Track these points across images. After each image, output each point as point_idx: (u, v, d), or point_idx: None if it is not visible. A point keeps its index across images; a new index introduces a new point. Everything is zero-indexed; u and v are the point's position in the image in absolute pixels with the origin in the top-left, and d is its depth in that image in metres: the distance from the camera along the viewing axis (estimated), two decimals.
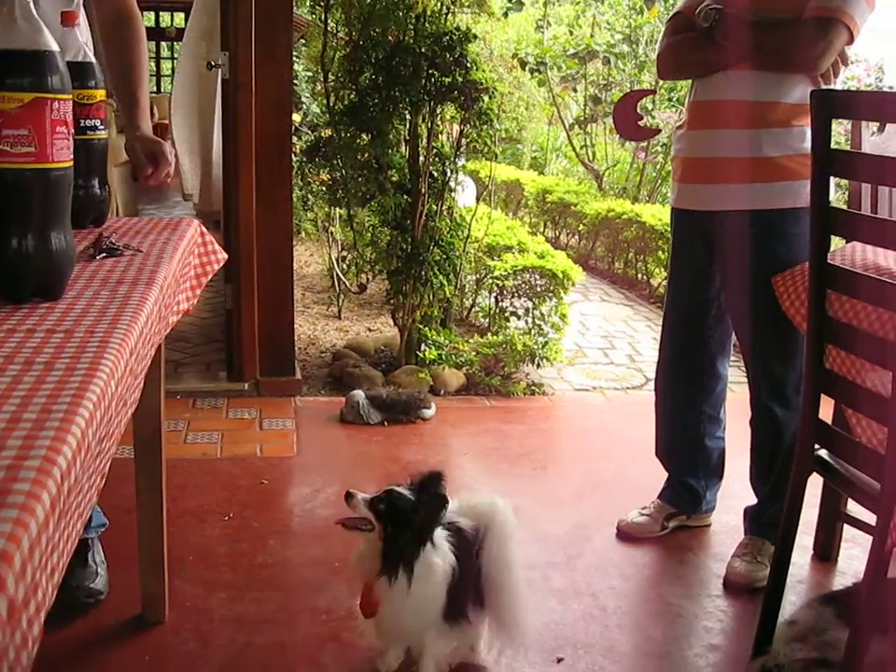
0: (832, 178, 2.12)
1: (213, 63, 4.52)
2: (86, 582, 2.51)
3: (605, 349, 5.52)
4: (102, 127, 2.02)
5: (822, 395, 2.22)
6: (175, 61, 15.72)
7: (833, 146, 2.10)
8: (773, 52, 2.63)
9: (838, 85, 2.78)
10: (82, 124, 1.96)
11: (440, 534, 2.16)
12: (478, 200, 5.35)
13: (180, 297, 2.02)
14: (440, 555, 2.13)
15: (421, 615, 2.16)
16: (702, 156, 2.81)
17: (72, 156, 1.42)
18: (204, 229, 2.21)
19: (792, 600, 2.67)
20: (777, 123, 2.65)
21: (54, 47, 1.36)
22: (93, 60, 2.03)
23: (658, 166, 8.66)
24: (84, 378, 1.03)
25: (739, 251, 2.73)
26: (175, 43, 15.49)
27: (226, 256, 2.23)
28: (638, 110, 3.28)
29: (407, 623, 2.17)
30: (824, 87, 2.64)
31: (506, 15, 8.18)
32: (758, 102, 2.66)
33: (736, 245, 2.74)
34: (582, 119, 9.27)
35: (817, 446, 2.27)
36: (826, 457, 2.25)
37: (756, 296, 2.68)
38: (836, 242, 2.55)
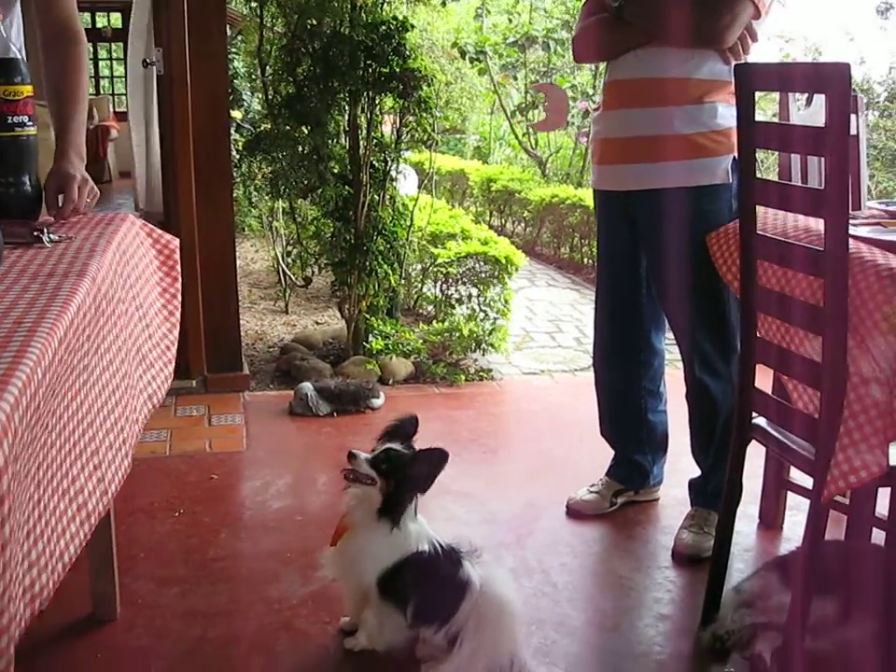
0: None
1: (148, 61, 4.49)
2: None
3: (552, 333, 5.56)
4: (30, 123, 2.00)
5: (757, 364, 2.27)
6: (114, 62, 15.60)
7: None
8: (679, 28, 2.65)
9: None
10: (9, 121, 1.95)
11: (430, 534, 2.27)
12: (419, 189, 5.36)
13: (166, 298, 2.06)
14: (415, 529, 2.25)
15: (362, 558, 2.25)
16: (617, 136, 2.83)
17: None
18: (143, 221, 2.20)
19: (740, 568, 2.72)
20: (689, 100, 2.67)
21: None
22: (19, 55, 2.01)
23: None
24: (10, 366, 1.03)
25: (659, 229, 2.77)
26: (111, 44, 15.30)
27: (176, 239, 2.26)
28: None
29: (348, 557, 2.27)
30: (735, 62, 2.66)
31: (444, 4, 8.18)
32: (668, 78, 2.68)
33: (656, 224, 2.78)
34: (524, 106, 9.31)
35: (754, 414, 2.32)
36: (764, 425, 2.30)
37: (679, 273, 2.72)
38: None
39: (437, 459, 2.21)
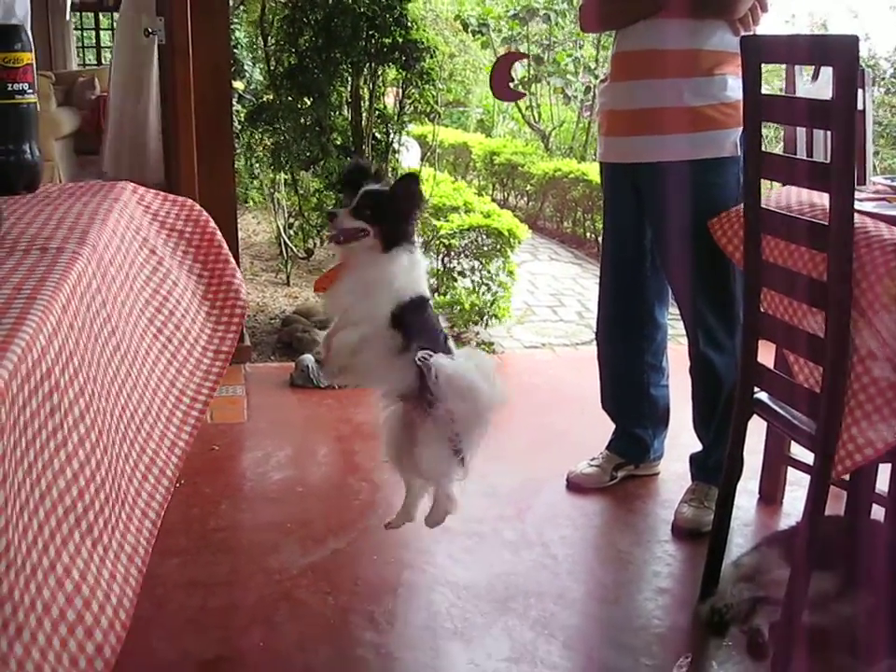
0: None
1: (150, 31, 4.46)
2: None
3: (554, 307, 5.55)
4: (31, 91, 1.98)
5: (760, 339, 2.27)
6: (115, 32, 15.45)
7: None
8: None
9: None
10: (9, 88, 1.93)
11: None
12: (422, 161, 5.34)
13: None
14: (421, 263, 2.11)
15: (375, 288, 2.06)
16: (625, 108, 2.80)
17: None
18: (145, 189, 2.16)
19: (740, 543, 2.72)
20: (699, 72, 2.65)
21: None
22: (21, 23, 2.00)
23: None
24: (9, 332, 1.02)
25: (666, 202, 2.76)
26: (114, 13, 15.17)
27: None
28: (511, 73, 3.25)
29: (356, 290, 2.07)
30: (745, 33, 2.64)
31: None
32: (677, 50, 2.66)
33: (663, 197, 2.76)
34: (526, 79, 9.25)
35: (756, 389, 2.31)
36: (766, 399, 2.30)
37: (685, 246, 2.71)
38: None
39: (411, 180, 2.10)
